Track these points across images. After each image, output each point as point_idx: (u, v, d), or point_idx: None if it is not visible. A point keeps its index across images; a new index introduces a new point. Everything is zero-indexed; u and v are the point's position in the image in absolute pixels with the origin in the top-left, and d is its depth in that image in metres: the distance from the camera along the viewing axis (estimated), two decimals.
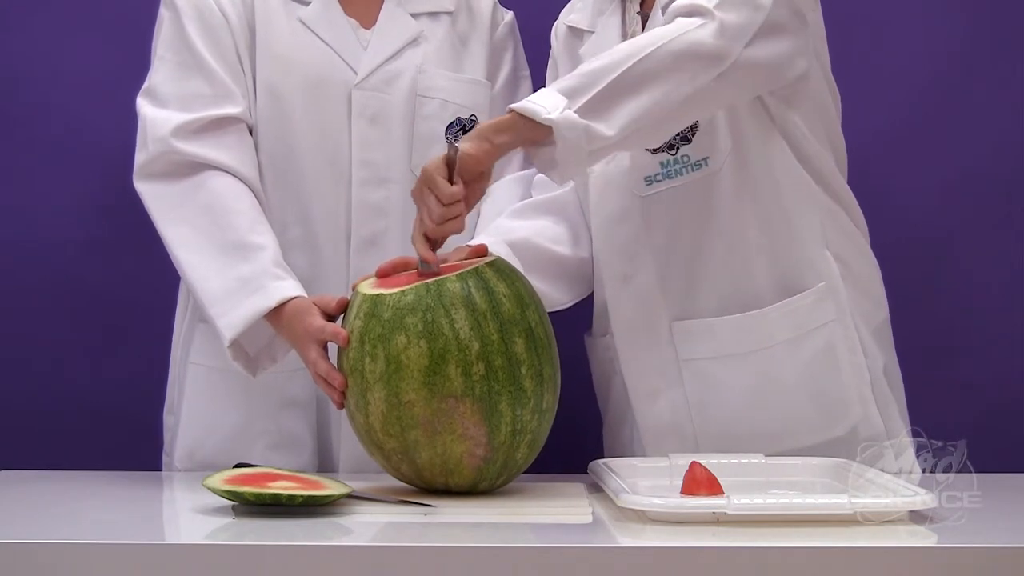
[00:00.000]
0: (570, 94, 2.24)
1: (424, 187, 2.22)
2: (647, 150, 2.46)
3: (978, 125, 2.99)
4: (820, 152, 2.48)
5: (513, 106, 2.25)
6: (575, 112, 2.22)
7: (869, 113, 2.82)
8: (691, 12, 2.29)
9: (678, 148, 2.46)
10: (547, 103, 2.22)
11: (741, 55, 2.29)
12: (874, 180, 2.64)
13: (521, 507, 2.18)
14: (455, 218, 2.24)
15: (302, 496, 2.11)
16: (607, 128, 2.24)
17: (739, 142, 2.44)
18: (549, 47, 2.70)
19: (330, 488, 2.16)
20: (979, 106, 3.00)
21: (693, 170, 2.46)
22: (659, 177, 2.48)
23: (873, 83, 2.93)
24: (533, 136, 2.24)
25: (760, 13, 2.30)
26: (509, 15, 2.75)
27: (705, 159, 2.45)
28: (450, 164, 2.21)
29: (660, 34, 2.28)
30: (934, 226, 2.99)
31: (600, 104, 2.24)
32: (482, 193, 2.30)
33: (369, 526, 2.09)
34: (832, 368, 2.45)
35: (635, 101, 2.25)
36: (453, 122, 2.62)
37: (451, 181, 2.21)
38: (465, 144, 2.23)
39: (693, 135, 2.44)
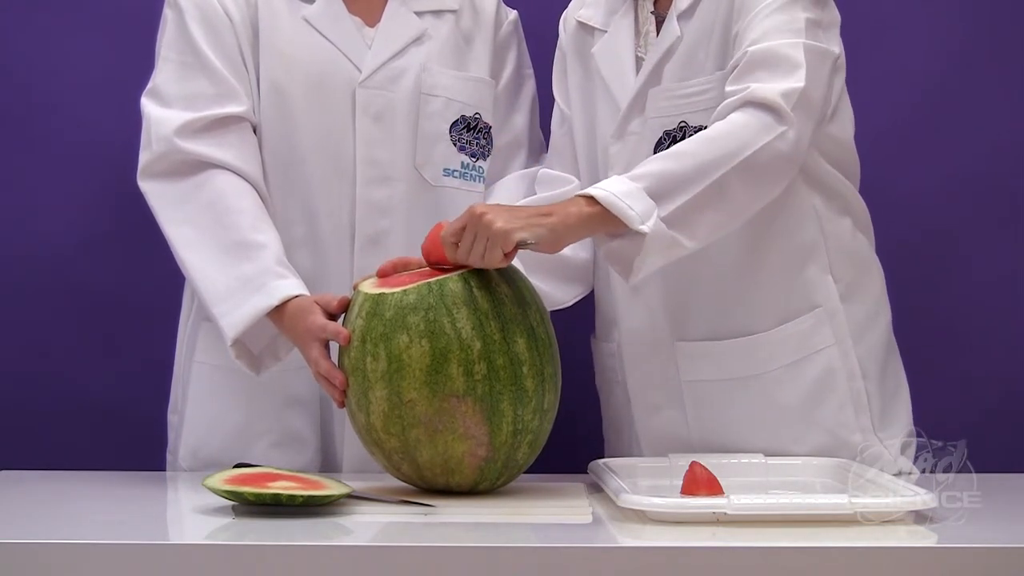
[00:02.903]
0: (657, 197, 2.21)
1: (485, 237, 2.19)
2: None
3: (979, 125, 2.98)
4: (830, 171, 2.47)
5: (599, 198, 2.21)
6: (662, 220, 2.20)
7: (870, 113, 2.80)
8: (763, 105, 2.27)
9: None
10: (637, 207, 2.20)
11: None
12: (875, 180, 2.63)
13: (521, 507, 2.18)
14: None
15: (302, 496, 2.12)
16: (689, 240, 2.24)
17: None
18: (553, 46, 2.69)
19: (330, 488, 2.16)
20: (980, 106, 2.99)
21: None
22: None
23: (874, 83, 2.92)
24: (612, 230, 2.23)
25: (815, 108, 2.33)
26: (513, 14, 2.74)
27: None
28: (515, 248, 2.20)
29: (742, 139, 2.25)
30: (935, 225, 2.99)
31: (686, 215, 2.22)
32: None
33: (369, 526, 2.09)
34: (831, 395, 2.45)
35: (718, 214, 2.26)
36: (457, 120, 2.62)
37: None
38: (541, 235, 2.19)
39: None
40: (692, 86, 2.44)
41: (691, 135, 2.38)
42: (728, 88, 2.32)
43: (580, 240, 2.27)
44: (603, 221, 2.21)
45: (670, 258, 2.26)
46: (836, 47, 2.40)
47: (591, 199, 2.21)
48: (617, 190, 2.21)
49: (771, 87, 2.27)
